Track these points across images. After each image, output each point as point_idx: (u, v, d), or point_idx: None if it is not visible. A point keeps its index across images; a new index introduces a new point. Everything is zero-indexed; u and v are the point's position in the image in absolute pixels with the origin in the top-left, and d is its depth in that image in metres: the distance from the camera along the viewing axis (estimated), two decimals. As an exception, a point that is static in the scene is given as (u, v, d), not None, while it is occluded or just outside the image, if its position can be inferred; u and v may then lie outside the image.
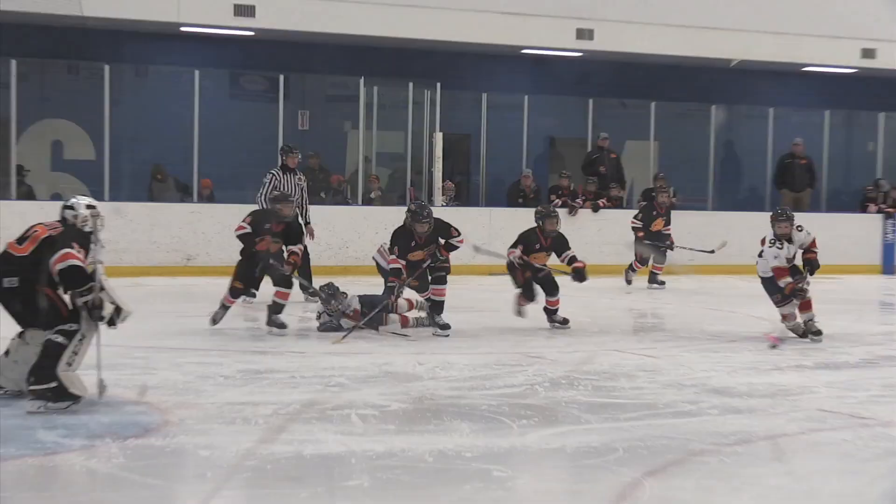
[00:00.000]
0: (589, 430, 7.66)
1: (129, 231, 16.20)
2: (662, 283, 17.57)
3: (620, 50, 20.31)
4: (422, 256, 12.02)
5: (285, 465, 6.76)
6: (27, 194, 17.66)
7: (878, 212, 21.62)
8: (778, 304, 11.72)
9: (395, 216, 16.58)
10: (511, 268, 12.51)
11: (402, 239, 11.99)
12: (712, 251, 17.38)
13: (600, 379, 9.59)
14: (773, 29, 20.95)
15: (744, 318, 14.26)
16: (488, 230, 19.02)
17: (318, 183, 19.37)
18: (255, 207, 13.99)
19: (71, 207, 7.94)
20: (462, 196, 20.48)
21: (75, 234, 7.77)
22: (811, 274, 11.43)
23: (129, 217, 16.57)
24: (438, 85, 19.59)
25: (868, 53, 21.68)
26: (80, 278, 7.56)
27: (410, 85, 19.64)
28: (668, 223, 17.67)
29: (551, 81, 21.13)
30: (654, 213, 17.63)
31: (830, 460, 7.16)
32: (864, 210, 21.88)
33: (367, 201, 19.01)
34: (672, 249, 17.23)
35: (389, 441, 7.24)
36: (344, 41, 19.11)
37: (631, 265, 17.66)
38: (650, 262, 17.55)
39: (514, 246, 12.47)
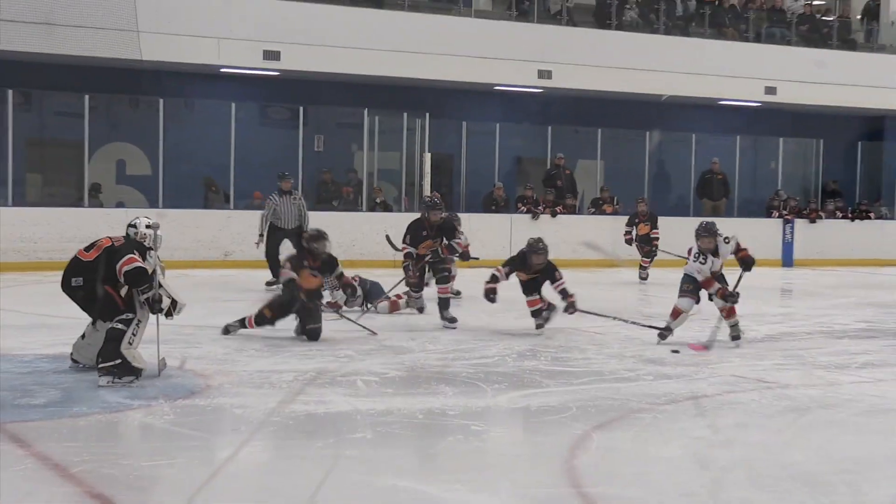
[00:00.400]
0: (548, 393, 7.63)
1: (177, 232, 16.10)
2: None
3: (573, 87, 20.29)
4: (429, 246, 11.50)
5: (303, 421, 6.73)
6: (97, 203, 17.59)
7: (779, 217, 21.67)
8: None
9: (393, 219, 16.60)
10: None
11: (414, 230, 11.46)
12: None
13: (557, 351, 9.58)
14: (695, 71, 20.96)
15: (672, 301, 14.23)
16: (467, 231, 18.94)
17: (330, 193, 19.33)
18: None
19: (133, 226, 7.99)
20: (446, 204, 20.38)
21: (136, 245, 7.83)
22: (748, 270, 10.32)
23: (174, 219, 16.53)
24: (427, 115, 19.60)
25: (770, 90, 21.69)
26: (142, 278, 7.62)
27: (405, 115, 19.63)
28: (654, 227, 17.34)
29: (518, 112, 21.11)
30: (637, 220, 17.38)
31: (742, 416, 7.14)
32: (768, 216, 21.93)
33: (371, 208, 18.98)
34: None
35: (388, 402, 7.22)
36: (351, 80, 19.07)
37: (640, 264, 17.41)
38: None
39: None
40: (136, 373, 7.58)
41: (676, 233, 19.69)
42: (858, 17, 25.47)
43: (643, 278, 17.22)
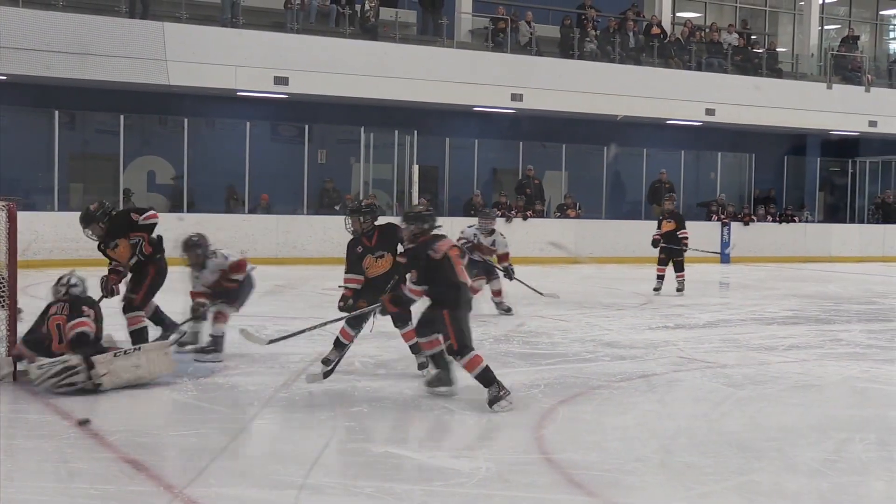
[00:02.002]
0: (520, 372, 7.64)
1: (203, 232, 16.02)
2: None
3: (541, 108, 20.27)
4: (380, 267, 7.43)
5: (308, 397, 6.72)
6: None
7: (718, 220, 21.71)
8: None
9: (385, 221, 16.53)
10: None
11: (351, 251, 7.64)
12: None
13: (528, 336, 9.58)
14: (646, 95, 20.95)
15: (627, 293, 14.27)
16: (450, 233, 18.91)
17: (332, 200, 19.26)
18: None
19: (74, 284, 7.17)
20: (432, 210, 20.40)
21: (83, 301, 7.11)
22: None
23: (194, 223, 16.46)
24: (415, 132, 19.58)
25: (710, 112, 21.70)
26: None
27: (396, 132, 19.62)
28: (681, 226, 14.22)
29: (493, 130, 21.08)
30: (661, 218, 14.58)
31: (686, 392, 7.16)
32: (708, 219, 21.95)
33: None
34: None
35: (381, 380, 7.21)
36: (350, 101, 19.02)
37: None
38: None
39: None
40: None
41: (628, 235, 19.90)
42: (784, 49, 25.58)
43: (657, 289, 13.81)
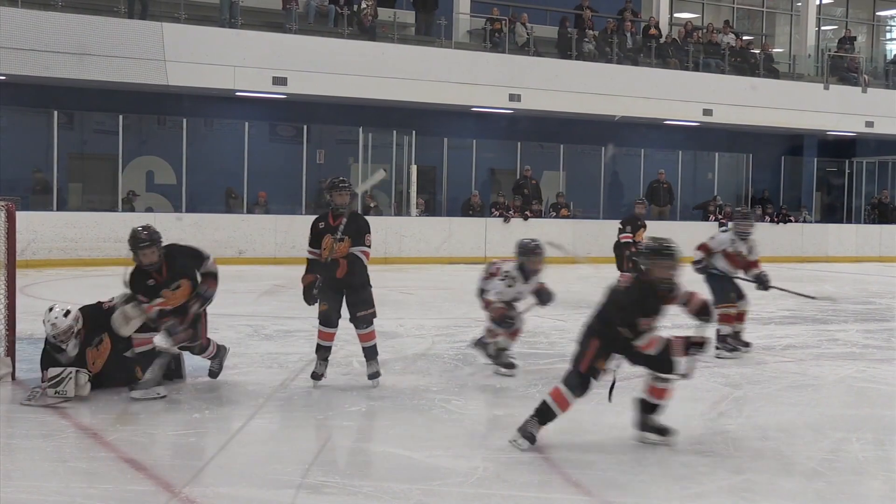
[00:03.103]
0: (517, 372, 7.63)
1: (197, 233, 16.03)
2: None
3: (539, 108, 20.26)
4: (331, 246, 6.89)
5: (306, 396, 6.73)
6: (129, 208, 17.52)
7: (715, 220, 21.72)
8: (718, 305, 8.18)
9: (385, 221, 16.59)
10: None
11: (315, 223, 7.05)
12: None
13: (526, 336, 9.56)
14: (643, 95, 20.95)
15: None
16: (448, 232, 19.04)
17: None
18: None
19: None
20: (430, 209, 20.41)
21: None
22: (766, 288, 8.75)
23: (193, 222, 16.48)
24: (413, 132, 19.58)
25: (707, 112, 21.69)
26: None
27: (394, 132, 19.61)
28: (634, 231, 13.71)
29: (491, 130, 21.08)
30: (638, 223, 13.82)
31: (684, 391, 7.13)
32: (705, 219, 21.96)
33: (365, 212, 18.91)
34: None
35: (379, 380, 7.20)
36: (348, 102, 19.00)
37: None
38: None
39: None
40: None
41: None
42: (781, 49, 25.59)
43: None
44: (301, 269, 7.09)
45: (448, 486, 4.82)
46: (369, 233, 6.93)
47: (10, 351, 6.90)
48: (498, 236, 19.05)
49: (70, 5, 16.68)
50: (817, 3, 25.56)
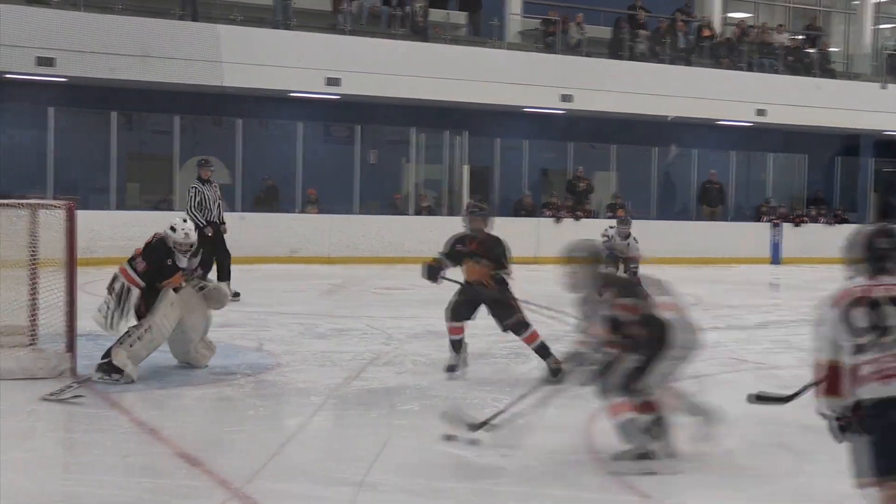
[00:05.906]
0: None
1: (252, 231, 16.15)
2: None
3: (591, 109, 20.16)
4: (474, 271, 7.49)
5: (360, 395, 6.75)
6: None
7: (768, 221, 21.49)
8: None
9: (436, 222, 16.60)
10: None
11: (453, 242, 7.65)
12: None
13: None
14: (696, 95, 20.75)
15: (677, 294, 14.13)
16: (498, 233, 18.93)
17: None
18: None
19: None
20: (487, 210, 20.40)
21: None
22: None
23: (250, 221, 16.58)
24: (466, 133, 19.59)
25: (760, 112, 21.45)
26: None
27: (447, 133, 19.62)
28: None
29: (543, 131, 21.01)
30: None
31: (737, 393, 7.05)
32: (758, 220, 21.72)
33: (417, 212, 18.97)
34: None
35: (431, 378, 7.23)
36: (401, 102, 19.05)
37: None
38: None
39: None
40: (119, 372, 6.81)
41: (675, 236, 19.72)
42: (837, 49, 25.23)
43: None
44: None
45: (499, 486, 4.82)
46: (507, 255, 7.57)
47: (71, 347, 7.01)
48: (550, 238, 18.95)
49: (129, 8, 16.90)
50: (874, 1, 25.15)
